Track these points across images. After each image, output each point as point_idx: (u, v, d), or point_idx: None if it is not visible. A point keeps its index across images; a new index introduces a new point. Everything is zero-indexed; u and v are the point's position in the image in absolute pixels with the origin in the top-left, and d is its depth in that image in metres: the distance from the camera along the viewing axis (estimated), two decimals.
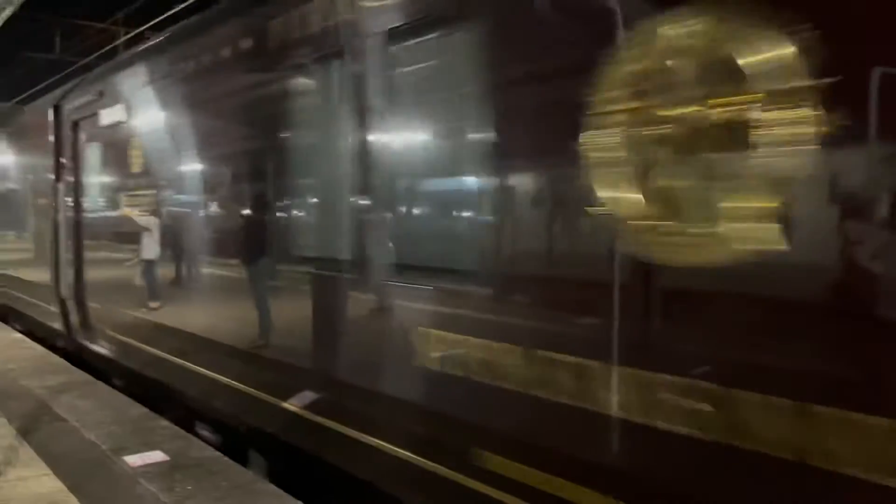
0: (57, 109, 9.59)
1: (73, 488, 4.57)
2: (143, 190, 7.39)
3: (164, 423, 6.04)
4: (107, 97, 8.00)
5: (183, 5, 11.93)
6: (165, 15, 13.17)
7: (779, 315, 2.45)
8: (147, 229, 7.19)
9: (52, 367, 8.30)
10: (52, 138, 9.63)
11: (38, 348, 9.61)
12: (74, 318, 9.06)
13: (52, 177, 9.66)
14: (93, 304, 8.65)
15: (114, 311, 8.00)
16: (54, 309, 9.71)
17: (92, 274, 8.78)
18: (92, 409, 6.45)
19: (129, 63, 7.93)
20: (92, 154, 8.79)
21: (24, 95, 19.40)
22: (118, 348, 7.88)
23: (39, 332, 10.66)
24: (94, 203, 8.86)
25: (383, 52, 4.11)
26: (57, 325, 9.74)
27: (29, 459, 5.08)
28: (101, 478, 4.82)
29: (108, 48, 17.10)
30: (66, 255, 9.30)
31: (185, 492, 4.53)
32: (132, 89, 7.42)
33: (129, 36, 17.00)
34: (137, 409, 6.47)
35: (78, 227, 9.03)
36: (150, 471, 4.88)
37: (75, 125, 8.97)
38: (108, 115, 7.88)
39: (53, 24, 19.83)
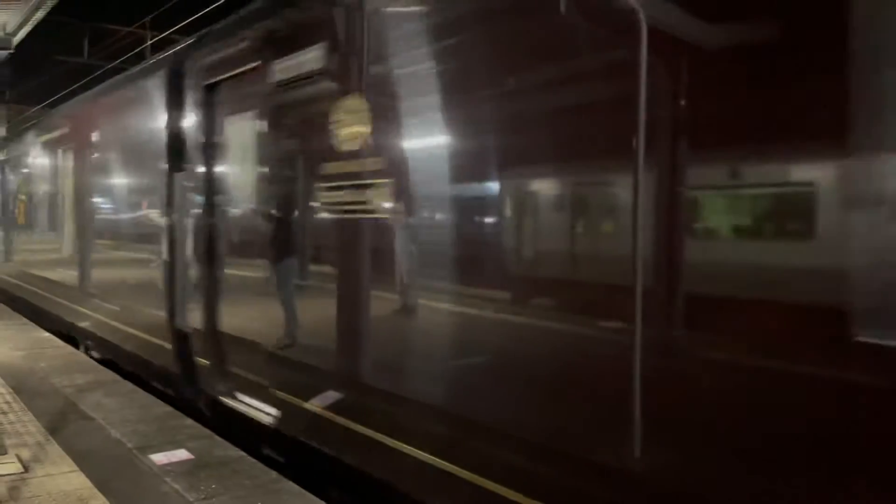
0: (176, 73, 7.02)
1: (100, 485, 4.60)
2: (370, 178, 4.41)
3: (189, 421, 6.08)
4: (279, 43, 5.35)
5: (211, 7, 12.05)
6: (192, 18, 13.33)
7: None
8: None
9: (81, 366, 8.39)
10: (165, 112, 7.24)
11: (67, 347, 9.72)
12: (204, 362, 6.57)
13: (163, 164, 7.22)
14: (237, 345, 6.06)
15: (287, 360, 5.41)
16: (166, 345, 7.24)
17: (241, 302, 6.25)
18: (118, 407, 6.52)
19: None
20: (244, 129, 5.99)
21: (52, 98, 19.70)
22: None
23: (132, 368, 8.38)
24: (250, 200, 6.09)
25: None
26: (168, 365, 7.23)
27: (56, 457, 5.13)
28: (127, 475, 4.85)
29: (136, 51, 17.37)
30: (185, 272, 6.95)
31: (209, 490, 4.55)
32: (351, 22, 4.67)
33: (156, 39, 17.25)
34: (162, 408, 6.53)
35: (212, 232, 6.48)
36: (175, 469, 4.91)
37: (210, 90, 6.43)
38: (286, 68, 5.25)
39: (82, 29, 20.13)
